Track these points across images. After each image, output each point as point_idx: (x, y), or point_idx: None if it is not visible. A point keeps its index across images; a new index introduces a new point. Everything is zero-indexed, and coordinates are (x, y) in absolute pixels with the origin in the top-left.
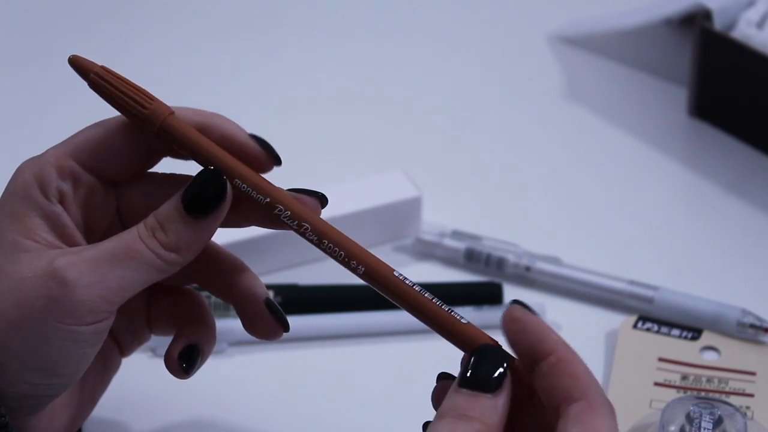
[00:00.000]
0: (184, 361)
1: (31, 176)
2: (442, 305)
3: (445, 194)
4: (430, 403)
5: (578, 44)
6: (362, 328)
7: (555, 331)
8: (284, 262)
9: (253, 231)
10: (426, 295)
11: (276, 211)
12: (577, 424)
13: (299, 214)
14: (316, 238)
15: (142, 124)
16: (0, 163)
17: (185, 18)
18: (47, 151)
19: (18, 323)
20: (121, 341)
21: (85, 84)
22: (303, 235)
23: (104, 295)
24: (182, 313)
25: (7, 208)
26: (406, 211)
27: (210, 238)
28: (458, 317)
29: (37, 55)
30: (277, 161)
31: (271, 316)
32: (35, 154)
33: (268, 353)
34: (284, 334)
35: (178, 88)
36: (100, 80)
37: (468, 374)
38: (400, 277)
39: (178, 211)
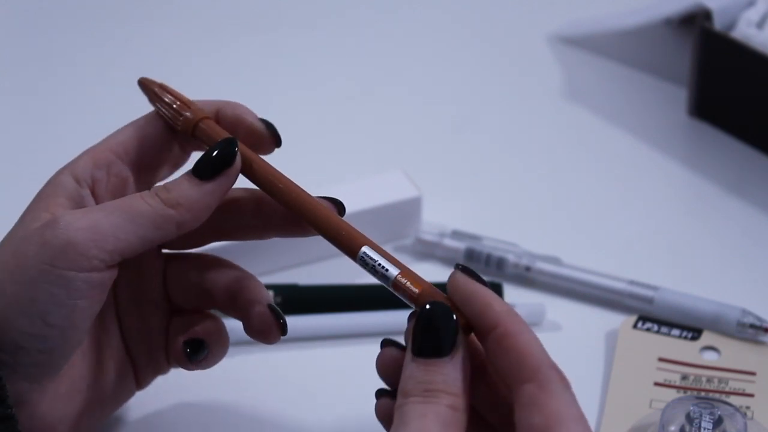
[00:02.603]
0: (189, 347)
1: (66, 167)
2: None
3: (445, 194)
4: None
5: (578, 44)
6: (362, 328)
7: (500, 299)
8: (284, 262)
9: None
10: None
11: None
12: (534, 411)
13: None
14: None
15: (180, 130)
16: (0, 163)
17: (185, 18)
18: (87, 149)
19: (13, 269)
20: (137, 362)
21: (85, 83)
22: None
23: (96, 239)
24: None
25: (39, 195)
26: (406, 211)
27: (214, 204)
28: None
29: (37, 55)
30: (277, 142)
31: (273, 320)
32: (36, 155)
33: (268, 353)
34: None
35: (178, 88)
36: (144, 89)
37: (418, 343)
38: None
39: (185, 175)
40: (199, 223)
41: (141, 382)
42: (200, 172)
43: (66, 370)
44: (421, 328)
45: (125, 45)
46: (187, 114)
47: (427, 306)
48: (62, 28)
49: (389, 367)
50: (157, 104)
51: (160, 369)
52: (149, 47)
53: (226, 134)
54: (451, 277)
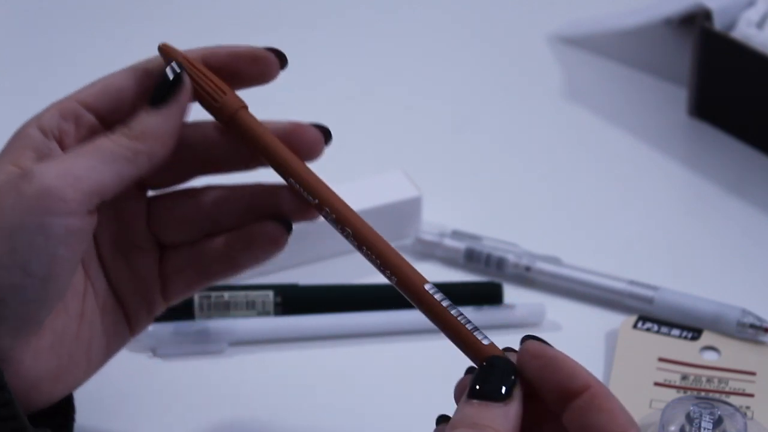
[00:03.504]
0: (283, 223)
1: (33, 120)
2: (467, 323)
3: (445, 194)
4: (431, 402)
5: (578, 44)
6: (362, 328)
7: (581, 365)
8: (284, 262)
9: None
10: (453, 312)
11: (323, 213)
12: None
13: (344, 219)
14: (356, 243)
15: (215, 115)
16: None
17: (185, 18)
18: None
19: None
20: (127, 306)
21: (85, 83)
22: (345, 237)
23: (71, 182)
24: (203, 259)
25: (5, 148)
26: (406, 211)
27: (177, 128)
28: (481, 338)
29: (37, 55)
30: (283, 60)
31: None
32: None
33: (268, 353)
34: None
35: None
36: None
37: (477, 385)
38: (431, 291)
39: (142, 110)
40: (168, 150)
41: (134, 328)
42: (155, 101)
43: (48, 323)
44: (483, 374)
45: (125, 45)
46: (222, 100)
47: (491, 359)
48: (62, 28)
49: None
50: (190, 77)
51: (156, 309)
52: (149, 47)
53: (265, 129)
54: (524, 345)
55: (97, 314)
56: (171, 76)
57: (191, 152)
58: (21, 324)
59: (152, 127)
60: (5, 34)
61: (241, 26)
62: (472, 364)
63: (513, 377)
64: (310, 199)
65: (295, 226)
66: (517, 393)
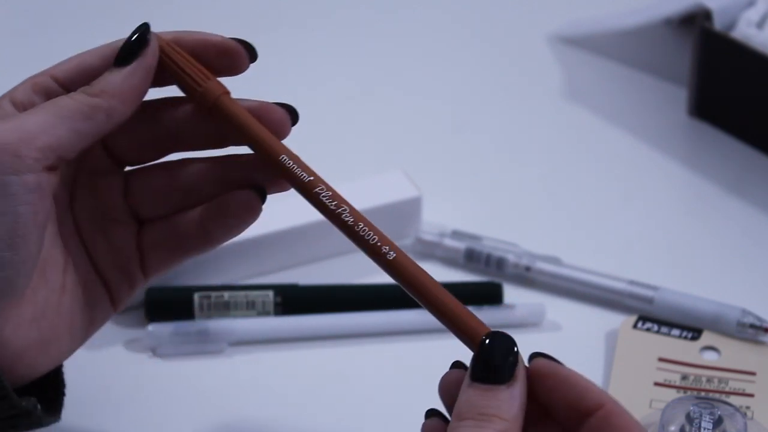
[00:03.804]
0: (258, 192)
1: (6, 94)
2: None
3: (445, 194)
4: (431, 402)
5: (578, 44)
6: (362, 328)
7: (593, 382)
8: (284, 262)
9: (253, 231)
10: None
11: (317, 189)
12: None
13: (338, 196)
14: (352, 219)
15: (196, 101)
16: None
17: (185, 18)
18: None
19: None
20: (109, 281)
21: None
22: (338, 216)
23: (24, 138)
24: (180, 233)
25: None
26: (406, 211)
27: (137, 86)
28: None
29: (37, 55)
30: (253, 54)
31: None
32: None
33: (268, 353)
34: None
35: (177, 88)
36: (162, 54)
37: (478, 367)
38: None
39: (108, 70)
40: (130, 108)
41: (117, 303)
42: (119, 60)
43: (29, 296)
44: (482, 355)
45: None
46: (205, 85)
47: (490, 334)
48: (62, 28)
49: (451, 388)
50: (168, 65)
51: (137, 283)
52: None
53: (247, 115)
54: (533, 364)
55: (78, 288)
56: (135, 38)
57: (165, 130)
58: None
59: (112, 84)
60: (5, 34)
61: (241, 26)
62: (460, 359)
63: (515, 352)
64: (304, 176)
65: (295, 227)
66: (521, 371)
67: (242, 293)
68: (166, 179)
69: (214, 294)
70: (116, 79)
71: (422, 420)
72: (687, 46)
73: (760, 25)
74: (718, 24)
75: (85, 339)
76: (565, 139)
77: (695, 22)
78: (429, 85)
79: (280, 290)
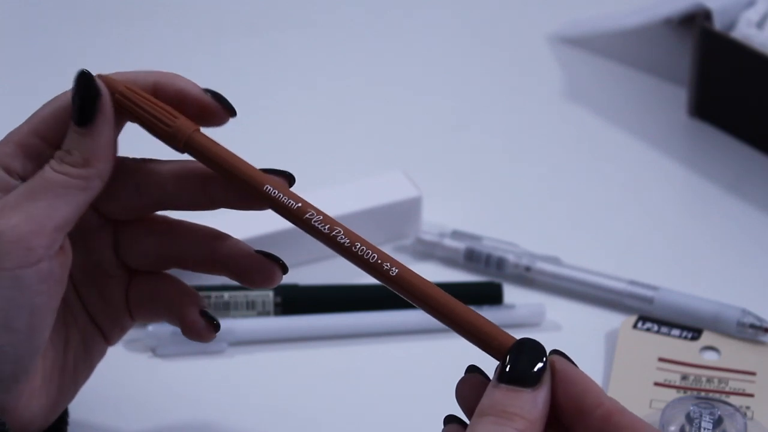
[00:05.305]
0: (209, 318)
1: None
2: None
3: (445, 194)
4: (431, 402)
5: (578, 44)
6: (362, 328)
7: (596, 382)
8: (284, 262)
9: (253, 231)
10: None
11: (307, 216)
12: None
13: (330, 219)
14: (347, 241)
15: (168, 142)
16: None
17: (185, 18)
18: (10, 132)
19: None
20: (103, 328)
21: None
22: (333, 239)
23: (33, 229)
24: (163, 297)
25: None
26: (406, 211)
27: (111, 142)
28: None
29: (37, 55)
30: (232, 112)
31: (266, 260)
32: None
33: (268, 353)
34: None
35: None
36: (123, 99)
37: (507, 369)
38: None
39: (72, 130)
40: (113, 162)
41: (111, 341)
42: (81, 121)
43: (38, 365)
44: (512, 358)
45: (125, 45)
46: (175, 125)
47: (520, 341)
48: (62, 28)
49: (470, 393)
50: (133, 110)
51: (126, 328)
52: (149, 47)
53: (223, 149)
54: (551, 359)
55: (79, 341)
56: (85, 92)
57: (149, 196)
58: (11, 380)
59: (92, 149)
60: (5, 34)
61: (241, 26)
62: (471, 363)
63: (544, 360)
64: (292, 204)
65: (295, 227)
66: (547, 378)
67: (242, 293)
68: (154, 239)
69: (214, 294)
70: (90, 144)
71: (423, 419)
72: (687, 46)
73: (760, 25)
74: (718, 24)
75: (84, 382)
76: (565, 139)
77: (695, 22)
78: (429, 85)
79: (280, 290)
